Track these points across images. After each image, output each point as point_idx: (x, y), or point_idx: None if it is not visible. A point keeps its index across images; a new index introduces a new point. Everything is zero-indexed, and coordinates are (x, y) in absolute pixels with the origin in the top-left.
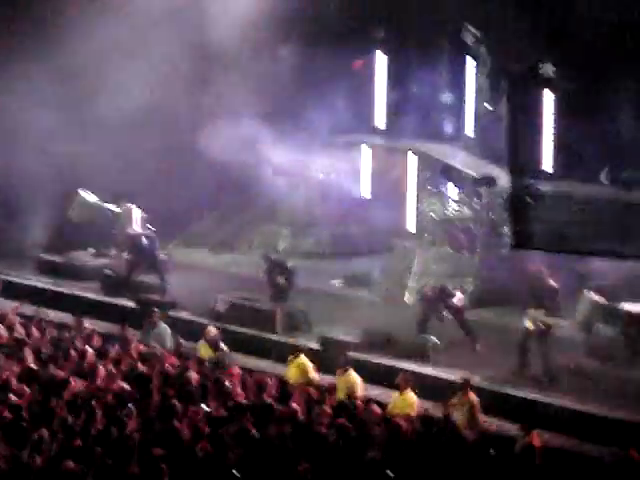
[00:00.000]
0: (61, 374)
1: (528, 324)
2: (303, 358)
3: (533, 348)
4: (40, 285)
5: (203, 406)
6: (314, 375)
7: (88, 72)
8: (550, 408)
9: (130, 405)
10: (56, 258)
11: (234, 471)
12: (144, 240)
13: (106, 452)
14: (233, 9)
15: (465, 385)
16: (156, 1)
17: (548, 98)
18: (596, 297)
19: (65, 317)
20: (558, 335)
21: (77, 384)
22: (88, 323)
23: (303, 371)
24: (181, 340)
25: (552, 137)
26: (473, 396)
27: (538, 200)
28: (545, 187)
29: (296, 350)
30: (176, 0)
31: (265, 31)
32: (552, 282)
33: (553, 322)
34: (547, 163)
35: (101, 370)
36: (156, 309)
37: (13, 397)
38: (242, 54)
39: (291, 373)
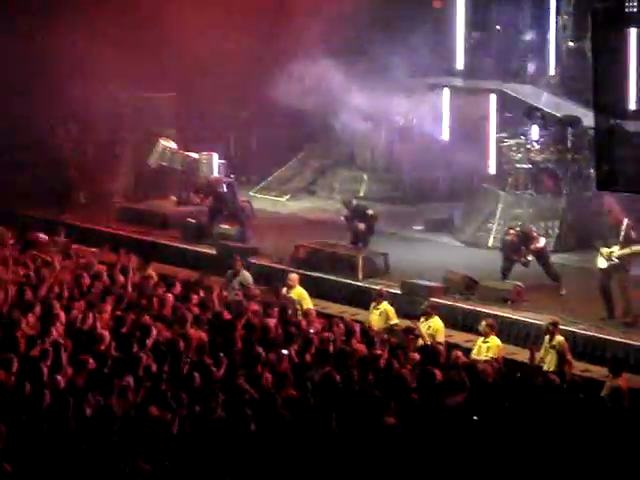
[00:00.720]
0: (145, 320)
1: (600, 263)
2: (385, 304)
3: (614, 288)
4: (122, 233)
5: (284, 351)
6: (396, 320)
7: (164, 17)
8: (638, 351)
9: (221, 354)
10: (138, 206)
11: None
12: (224, 187)
13: (192, 398)
14: None
15: (553, 328)
16: None
17: (634, 36)
18: None
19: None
20: None
21: (161, 331)
22: (171, 271)
23: (385, 317)
24: (262, 287)
25: (638, 75)
26: (561, 339)
27: (624, 140)
28: (631, 126)
29: (378, 296)
30: None
31: None
32: (621, 216)
33: (628, 251)
34: (633, 102)
35: (185, 316)
36: (238, 257)
37: (98, 345)
38: None
39: (373, 319)
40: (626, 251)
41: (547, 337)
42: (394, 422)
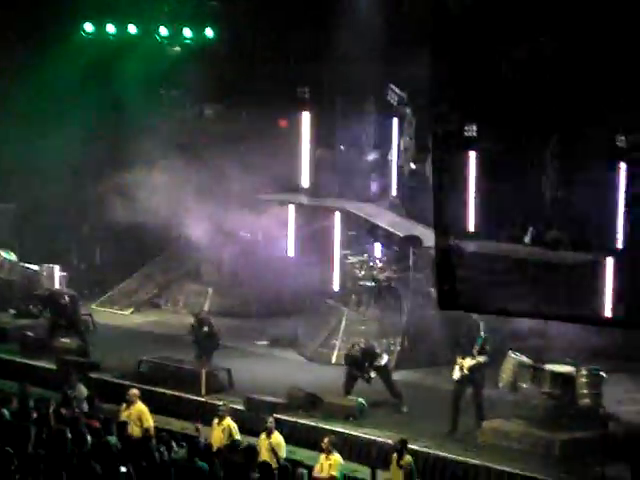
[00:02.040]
0: None
1: (455, 374)
2: (228, 420)
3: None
4: None
5: (122, 468)
6: (239, 437)
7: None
8: (478, 469)
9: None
10: None
11: None
12: (65, 299)
13: None
14: (155, 66)
15: (402, 446)
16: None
17: (472, 158)
18: (521, 357)
19: None
20: (486, 395)
21: None
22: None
23: (228, 433)
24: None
25: (476, 197)
26: (410, 458)
27: (463, 260)
28: (470, 247)
29: (221, 411)
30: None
31: (190, 90)
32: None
33: (476, 362)
34: (472, 223)
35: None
36: (72, 370)
37: None
38: (164, 113)
39: (216, 435)
40: (474, 362)
41: (395, 455)
42: None
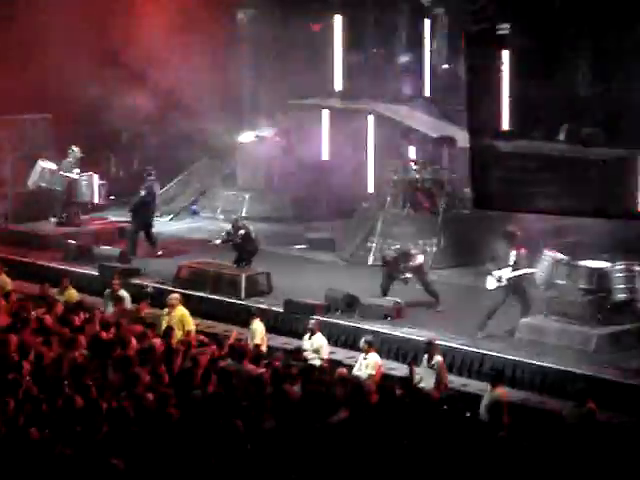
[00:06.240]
0: (25, 342)
1: (490, 284)
2: (256, 322)
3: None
4: (4, 255)
5: None
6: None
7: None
8: (514, 365)
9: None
10: (17, 228)
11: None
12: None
13: (73, 420)
14: None
15: (431, 348)
16: None
17: (505, 57)
18: (556, 254)
19: (29, 287)
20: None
21: (42, 352)
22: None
23: (255, 334)
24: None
25: (510, 96)
26: (440, 359)
27: (498, 159)
28: (504, 146)
29: (252, 314)
30: None
31: None
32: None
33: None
34: (506, 122)
35: (64, 338)
36: (116, 276)
37: None
38: (199, 18)
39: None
40: (516, 273)
41: (426, 356)
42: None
